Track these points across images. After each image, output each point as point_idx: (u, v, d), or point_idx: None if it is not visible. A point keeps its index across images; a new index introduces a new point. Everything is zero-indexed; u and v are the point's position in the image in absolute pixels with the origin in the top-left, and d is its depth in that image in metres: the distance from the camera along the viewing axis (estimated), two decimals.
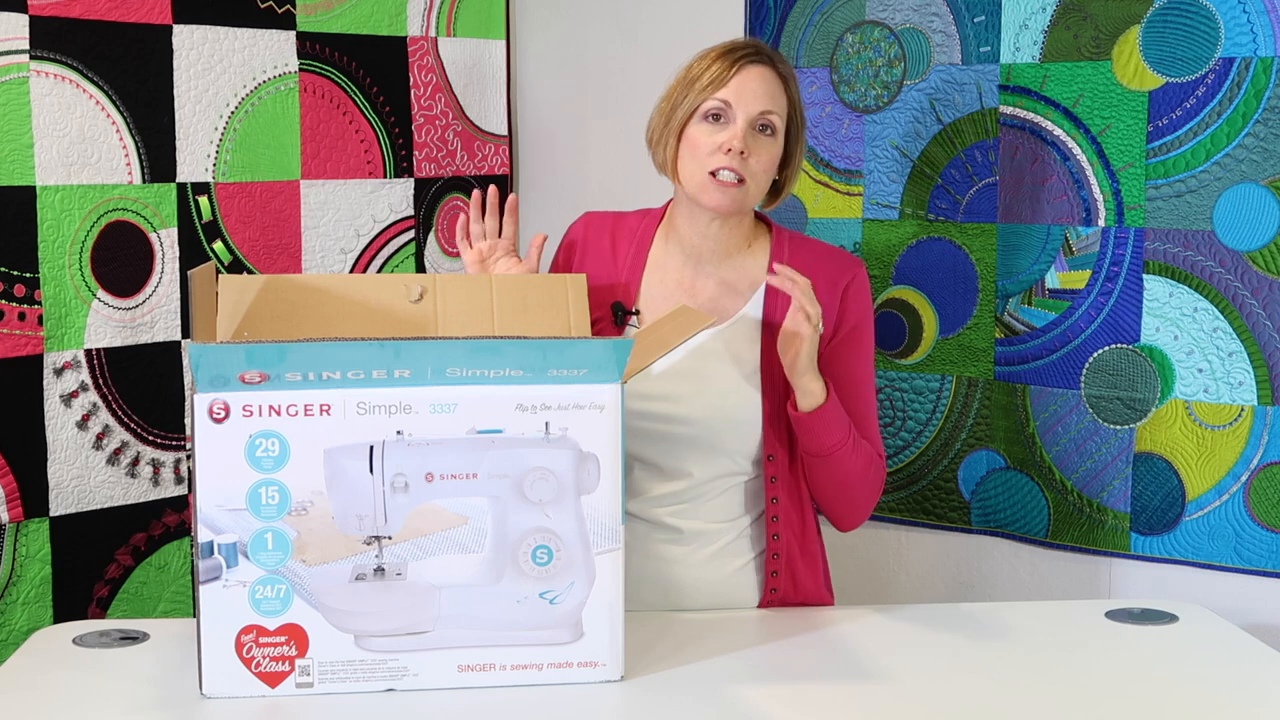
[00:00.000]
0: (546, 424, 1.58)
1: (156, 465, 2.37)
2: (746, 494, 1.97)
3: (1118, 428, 2.27)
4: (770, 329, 1.94)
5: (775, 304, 1.96)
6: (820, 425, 1.88)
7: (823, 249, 2.02)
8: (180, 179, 2.36)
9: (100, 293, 2.28)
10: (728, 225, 1.96)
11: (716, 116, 1.90)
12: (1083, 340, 2.29)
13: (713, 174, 1.89)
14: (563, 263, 2.07)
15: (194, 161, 2.37)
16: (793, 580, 1.97)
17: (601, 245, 2.02)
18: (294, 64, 2.47)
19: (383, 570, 1.58)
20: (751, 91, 1.90)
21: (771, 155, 1.92)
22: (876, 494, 1.99)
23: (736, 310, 1.97)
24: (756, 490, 1.97)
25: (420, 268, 2.65)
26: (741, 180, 1.89)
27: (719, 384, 1.93)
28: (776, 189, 1.99)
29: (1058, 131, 2.28)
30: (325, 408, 1.55)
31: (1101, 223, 2.26)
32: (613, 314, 1.97)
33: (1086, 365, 2.29)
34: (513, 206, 2.08)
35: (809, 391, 1.87)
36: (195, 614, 1.57)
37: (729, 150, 1.88)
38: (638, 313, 1.98)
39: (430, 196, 2.66)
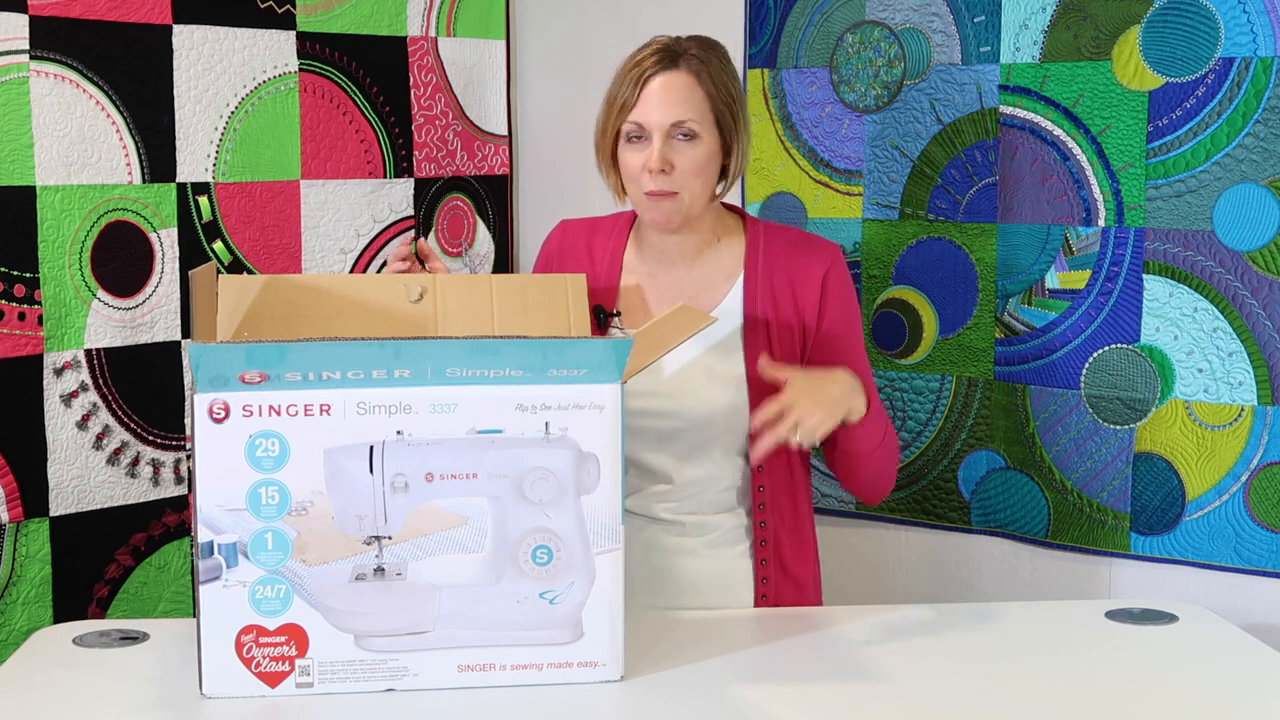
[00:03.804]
0: (546, 424, 1.58)
1: (156, 465, 2.37)
2: (737, 493, 1.98)
3: (1118, 428, 2.27)
4: (750, 318, 1.96)
5: (754, 292, 1.97)
6: (862, 431, 1.89)
7: (797, 236, 2.02)
8: (180, 179, 2.36)
9: (100, 293, 2.28)
10: (688, 230, 1.97)
11: (637, 135, 1.91)
12: (1083, 340, 2.29)
13: (647, 194, 1.90)
14: (539, 271, 2.09)
15: (194, 161, 2.37)
16: (781, 566, 1.98)
17: (578, 252, 2.04)
18: (294, 64, 2.47)
19: (383, 570, 1.58)
20: (658, 105, 1.88)
21: (696, 157, 1.89)
22: (898, 461, 2.04)
23: (715, 303, 1.98)
24: (745, 485, 1.98)
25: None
26: (674, 193, 1.89)
27: (702, 376, 1.94)
28: (725, 176, 1.97)
29: (1058, 131, 2.28)
30: (325, 408, 1.55)
31: (1101, 223, 2.26)
32: (594, 317, 1.97)
33: (1086, 365, 2.29)
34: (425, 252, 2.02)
35: (854, 410, 1.85)
36: (195, 614, 1.57)
37: (650, 170, 1.88)
38: (619, 314, 1.99)
39: (430, 196, 2.66)
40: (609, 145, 1.94)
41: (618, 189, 1.98)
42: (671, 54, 1.91)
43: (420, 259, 1.98)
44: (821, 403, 1.80)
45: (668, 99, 1.89)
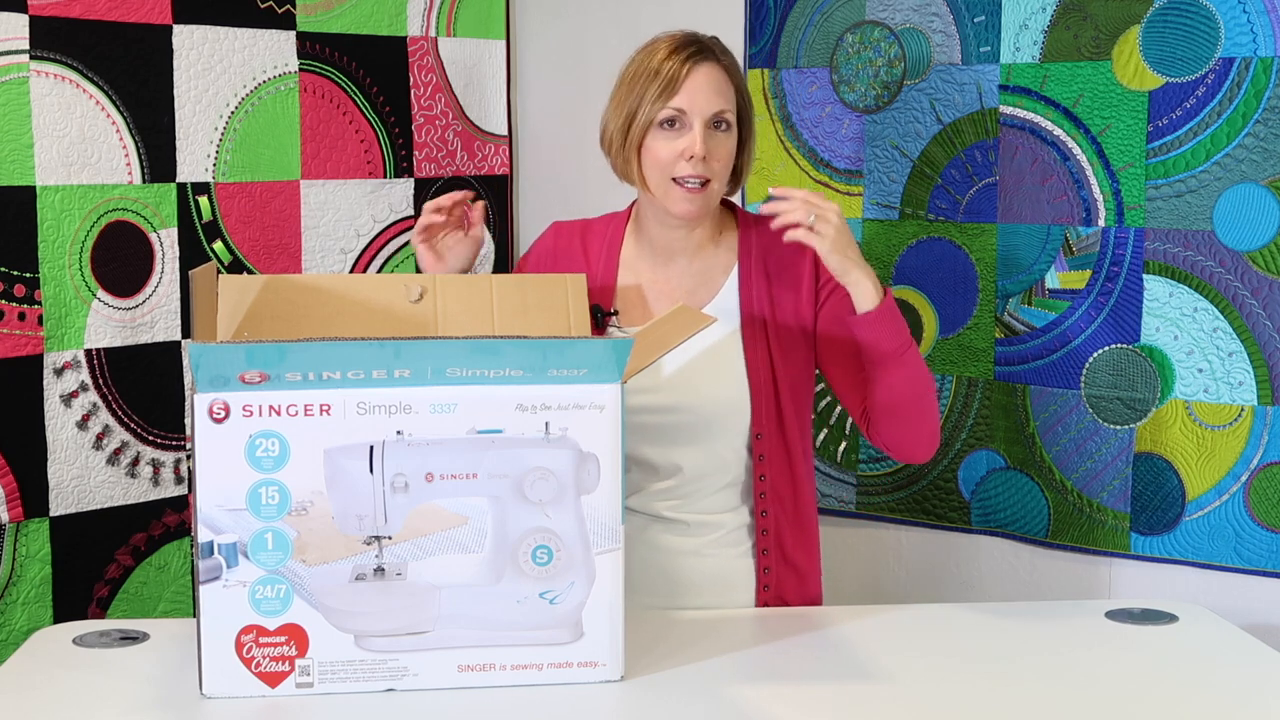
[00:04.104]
0: (546, 424, 1.58)
1: (156, 465, 2.37)
2: (740, 490, 1.99)
3: (1118, 428, 2.27)
4: (746, 309, 1.96)
5: (749, 284, 1.98)
6: (873, 325, 1.87)
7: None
8: (180, 179, 2.36)
9: (100, 293, 2.28)
10: (697, 223, 1.98)
11: (672, 122, 1.91)
12: (1083, 340, 2.29)
13: (677, 180, 1.90)
14: (524, 269, 2.09)
15: (194, 161, 2.37)
16: (783, 556, 1.98)
17: (573, 252, 2.05)
18: (294, 64, 2.47)
19: (383, 570, 1.58)
20: (703, 93, 1.90)
21: (730, 149, 1.93)
22: (934, 397, 1.96)
23: (712, 297, 1.99)
24: (749, 481, 1.98)
25: (420, 268, 2.65)
26: (706, 182, 1.91)
27: (703, 370, 1.95)
28: (735, 174, 1.99)
29: (1058, 131, 2.28)
30: (325, 408, 1.55)
31: (1101, 223, 2.26)
32: (592, 316, 1.97)
33: (1086, 365, 2.29)
34: (479, 216, 2.06)
35: (862, 288, 1.86)
36: (195, 614, 1.57)
37: (691, 157, 1.89)
38: (616, 313, 1.99)
39: (430, 196, 2.66)
40: (639, 133, 1.93)
41: (636, 177, 1.96)
42: (703, 46, 1.94)
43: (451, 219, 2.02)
44: (841, 230, 1.84)
45: (710, 88, 1.91)
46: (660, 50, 1.93)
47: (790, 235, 1.85)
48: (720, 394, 1.94)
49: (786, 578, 1.99)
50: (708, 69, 1.91)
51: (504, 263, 2.80)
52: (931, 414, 1.95)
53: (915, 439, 1.96)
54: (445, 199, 2.01)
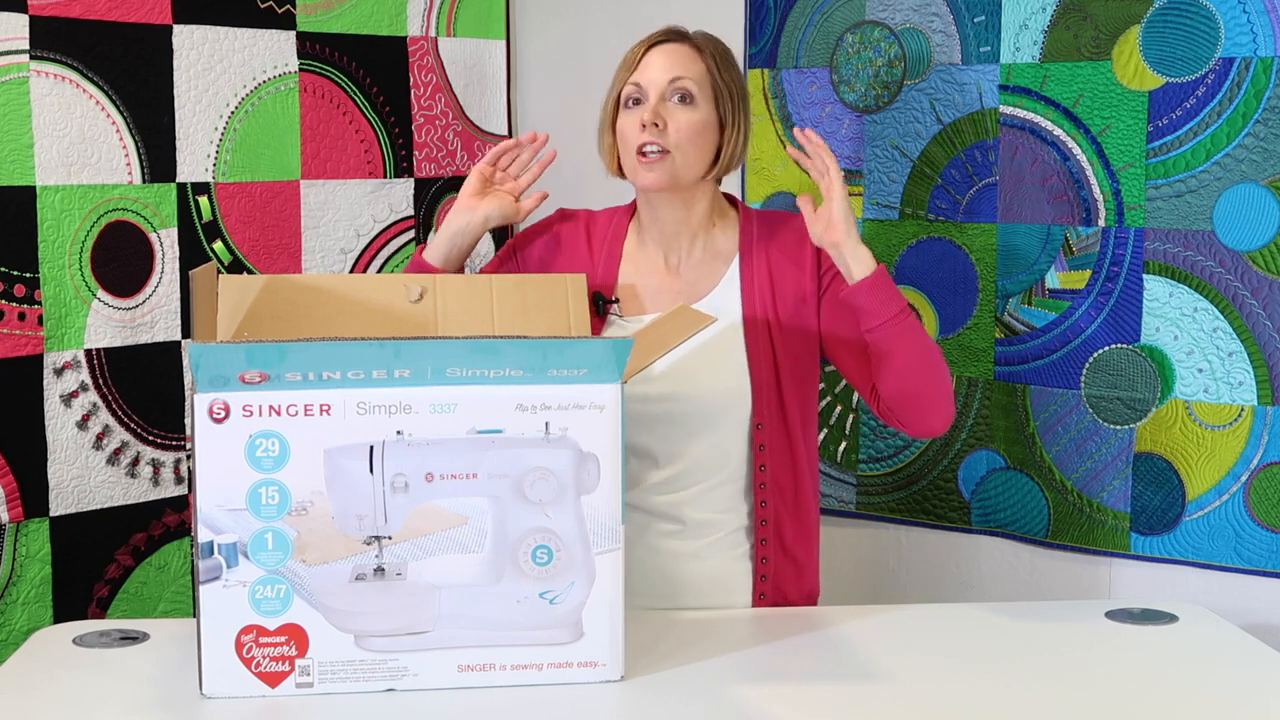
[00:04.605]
0: (546, 424, 1.58)
1: (156, 465, 2.37)
2: (741, 485, 1.99)
3: (1118, 428, 2.27)
4: (747, 299, 1.97)
5: (751, 274, 1.99)
6: (883, 285, 1.88)
7: (782, 217, 2.05)
8: (180, 179, 2.36)
9: (100, 293, 2.28)
10: (684, 206, 1.99)
11: (635, 101, 1.96)
12: (1083, 340, 2.29)
13: (639, 153, 1.93)
14: (522, 245, 2.10)
15: (194, 161, 2.37)
16: (781, 546, 1.98)
17: (577, 241, 2.06)
18: (294, 64, 2.47)
19: (383, 570, 1.58)
20: (659, 66, 1.95)
21: (691, 121, 1.94)
22: (940, 365, 1.94)
23: (714, 287, 2.00)
24: (749, 476, 1.98)
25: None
26: (666, 151, 1.92)
27: (704, 359, 1.95)
28: (720, 158, 1.99)
29: (1058, 131, 2.28)
30: (325, 408, 1.55)
31: (1101, 223, 2.26)
32: (593, 304, 1.98)
33: (1086, 365, 2.29)
34: (547, 160, 2.09)
35: (860, 259, 1.88)
36: (195, 614, 1.57)
37: (644, 125, 1.92)
38: (617, 300, 2.00)
39: (430, 196, 2.66)
40: (610, 116, 1.99)
41: (613, 162, 2.01)
42: (674, 31, 1.99)
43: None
44: (846, 197, 1.90)
45: (669, 60, 1.95)
46: (637, 41, 2.00)
47: (810, 166, 1.91)
48: (721, 383, 1.95)
49: (784, 569, 1.99)
50: (672, 47, 1.96)
51: None
52: (943, 384, 1.93)
53: (930, 413, 1.94)
54: (527, 137, 2.07)
